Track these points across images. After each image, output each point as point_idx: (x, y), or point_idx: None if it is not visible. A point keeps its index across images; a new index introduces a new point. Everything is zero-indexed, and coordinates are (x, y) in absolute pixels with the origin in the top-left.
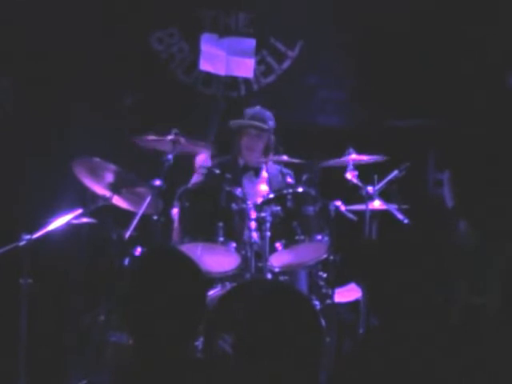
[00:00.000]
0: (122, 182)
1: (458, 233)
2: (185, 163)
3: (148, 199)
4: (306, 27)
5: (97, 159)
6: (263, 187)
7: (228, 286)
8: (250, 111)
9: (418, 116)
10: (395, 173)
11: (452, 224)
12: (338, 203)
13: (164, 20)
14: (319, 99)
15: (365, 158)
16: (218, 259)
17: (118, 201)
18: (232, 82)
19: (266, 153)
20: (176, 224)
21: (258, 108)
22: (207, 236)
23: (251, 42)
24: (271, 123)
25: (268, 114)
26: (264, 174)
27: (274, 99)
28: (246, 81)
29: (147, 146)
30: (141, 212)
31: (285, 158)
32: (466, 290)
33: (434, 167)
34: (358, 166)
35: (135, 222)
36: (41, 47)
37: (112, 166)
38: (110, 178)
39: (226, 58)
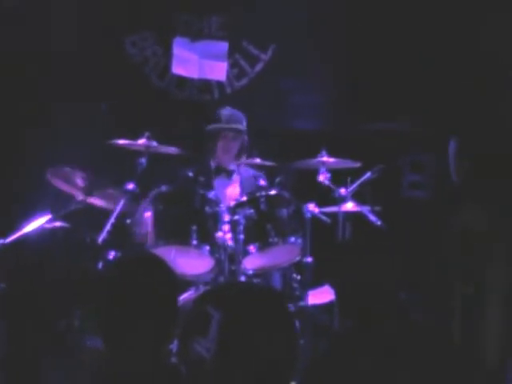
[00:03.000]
0: (94, 187)
1: (462, 214)
2: (158, 166)
3: (121, 203)
4: (280, 31)
5: (67, 168)
6: (235, 190)
7: (202, 289)
8: (224, 113)
9: (392, 119)
10: (368, 175)
11: (457, 201)
12: (312, 205)
13: (138, 24)
14: (293, 102)
15: (337, 161)
16: (192, 262)
17: (93, 201)
18: (205, 85)
19: (239, 155)
20: (150, 227)
21: (231, 109)
22: (181, 239)
23: (224, 46)
24: (245, 124)
25: (241, 114)
26: (236, 176)
27: (248, 102)
28: (219, 84)
29: (122, 150)
30: (114, 215)
31: (258, 160)
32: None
33: (408, 169)
34: (332, 169)
35: (108, 225)
36: (14, 48)
37: (83, 173)
38: (81, 183)
39: (199, 62)
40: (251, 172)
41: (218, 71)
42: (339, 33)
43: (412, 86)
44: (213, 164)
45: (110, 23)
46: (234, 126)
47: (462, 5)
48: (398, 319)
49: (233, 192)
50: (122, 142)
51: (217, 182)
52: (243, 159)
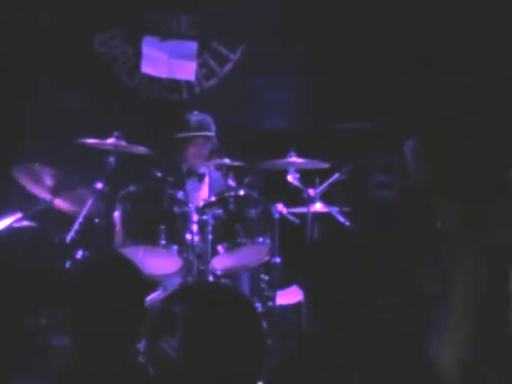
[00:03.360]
0: (62, 186)
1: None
2: (127, 166)
3: (89, 202)
4: (249, 30)
5: (36, 165)
6: (205, 191)
7: (170, 288)
8: (193, 119)
9: (361, 119)
10: (337, 175)
11: (424, 201)
12: (280, 206)
13: (107, 23)
14: (263, 102)
15: (306, 161)
16: (160, 262)
17: (60, 203)
18: (174, 84)
19: (210, 157)
20: (118, 227)
21: (199, 114)
22: (149, 239)
23: (193, 45)
24: (214, 128)
25: (210, 119)
26: (206, 178)
27: (218, 102)
28: (188, 84)
29: (91, 149)
30: (82, 215)
31: (227, 161)
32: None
33: (377, 170)
34: (300, 169)
35: (77, 225)
36: None
37: (52, 170)
38: (50, 181)
39: (168, 61)
40: (220, 172)
41: (187, 71)
42: (309, 32)
43: (381, 86)
44: (184, 166)
45: (80, 22)
46: (203, 133)
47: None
48: (367, 319)
49: (203, 193)
50: (90, 141)
51: (188, 182)
52: (213, 160)
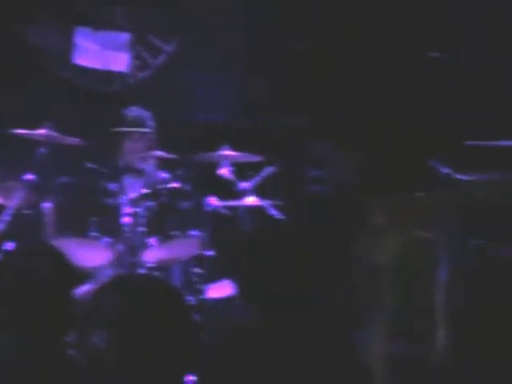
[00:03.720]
0: None
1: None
2: (60, 157)
3: (19, 193)
4: (184, 23)
5: None
6: (141, 183)
7: (101, 281)
8: (130, 114)
9: (297, 113)
10: (270, 169)
11: (356, 197)
12: (213, 199)
13: (40, 12)
14: (198, 95)
15: (240, 155)
16: (91, 254)
17: None
18: (107, 76)
19: (147, 151)
20: (49, 218)
21: (137, 110)
22: (81, 231)
23: (126, 37)
24: (151, 124)
25: (147, 114)
26: (143, 170)
27: (152, 94)
28: (122, 75)
29: (22, 140)
30: (12, 206)
31: (160, 153)
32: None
33: (312, 165)
34: (234, 162)
35: (6, 216)
36: None
37: None
38: None
39: (101, 52)
40: (155, 165)
41: (120, 62)
42: (245, 27)
43: (316, 81)
44: (121, 162)
45: (12, 11)
46: (139, 129)
47: None
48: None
49: (139, 185)
50: (20, 131)
51: (124, 175)
52: (148, 153)
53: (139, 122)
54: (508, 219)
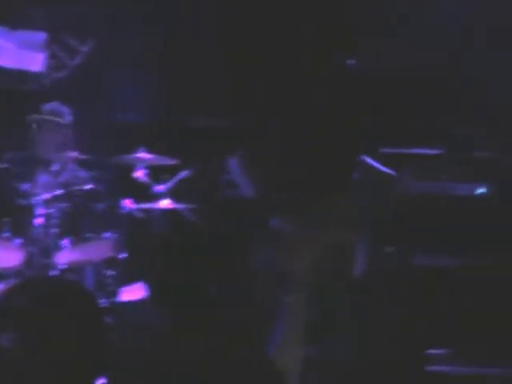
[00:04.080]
0: None
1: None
2: None
3: None
4: (101, 23)
5: None
6: (56, 183)
7: (11, 282)
8: (47, 106)
9: (215, 116)
10: (185, 172)
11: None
12: (128, 201)
13: None
14: (116, 96)
15: (155, 157)
16: (3, 255)
17: None
18: (23, 75)
19: (62, 148)
20: None
21: (55, 103)
22: None
23: (42, 36)
24: (68, 118)
25: (65, 108)
26: (57, 169)
27: (69, 94)
28: (37, 75)
29: None
30: None
31: (76, 154)
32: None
33: (226, 168)
34: (151, 165)
35: None
36: None
37: None
38: None
39: (16, 51)
40: (70, 165)
41: (36, 62)
42: (165, 28)
43: (235, 83)
44: (35, 156)
45: None
46: (53, 118)
47: None
48: (212, 316)
49: (52, 185)
50: None
51: (38, 174)
52: (65, 152)
53: (55, 114)
54: (423, 228)
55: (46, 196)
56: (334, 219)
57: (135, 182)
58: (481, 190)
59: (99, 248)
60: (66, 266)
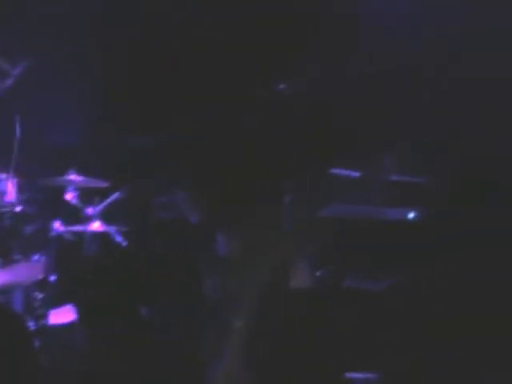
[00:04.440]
0: None
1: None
2: None
3: None
4: (32, 45)
5: None
6: None
7: None
8: None
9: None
10: (116, 194)
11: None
12: (58, 224)
13: None
14: (46, 118)
15: (86, 180)
16: None
17: None
18: None
19: None
20: None
21: None
22: None
23: None
24: None
25: None
26: None
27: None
28: None
29: None
30: None
31: (3, 175)
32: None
33: (160, 191)
34: (81, 187)
35: None
36: None
37: None
38: None
39: None
40: None
41: None
42: (95, 49)
43: (167, 102)
44: None
45: None
46: None
47: None
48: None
49: None
50: None
51: None
52: None
53: None
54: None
55: None
56: (272, 243)
57: (66, 204)
58: (411, 215)
59: (28, 270)
60: None
